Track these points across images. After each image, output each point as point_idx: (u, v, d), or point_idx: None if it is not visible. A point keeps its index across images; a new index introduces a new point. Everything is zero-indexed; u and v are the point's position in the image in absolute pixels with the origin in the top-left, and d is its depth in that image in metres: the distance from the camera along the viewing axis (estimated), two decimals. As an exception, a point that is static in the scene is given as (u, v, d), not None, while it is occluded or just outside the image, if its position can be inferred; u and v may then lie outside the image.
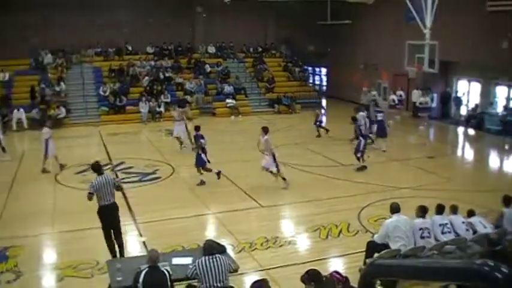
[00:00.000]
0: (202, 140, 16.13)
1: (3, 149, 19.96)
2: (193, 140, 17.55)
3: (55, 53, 32.52)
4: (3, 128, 22.57)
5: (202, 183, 15.94)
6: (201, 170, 15.98)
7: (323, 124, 24.40)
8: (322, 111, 22.10)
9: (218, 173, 15.96)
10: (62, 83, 29.88)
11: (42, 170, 17.92)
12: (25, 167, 18.74)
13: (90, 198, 10.27)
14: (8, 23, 30.86)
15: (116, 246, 10.47)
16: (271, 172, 15.54)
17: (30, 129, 26.14)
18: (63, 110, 27.93)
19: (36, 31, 32.29)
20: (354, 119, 18.54)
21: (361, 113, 20.46)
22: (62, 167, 18.21)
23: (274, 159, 15.41)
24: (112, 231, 10.45)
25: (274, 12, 35.18)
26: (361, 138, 17.52)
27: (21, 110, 26.97)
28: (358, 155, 17.37)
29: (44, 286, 10.01)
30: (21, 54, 31.23)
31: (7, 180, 16.88)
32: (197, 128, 16.72)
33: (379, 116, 20.56)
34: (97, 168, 10.61)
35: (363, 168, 17.42)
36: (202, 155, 15.97)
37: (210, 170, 16.01)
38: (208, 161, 16.17)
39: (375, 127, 20.43)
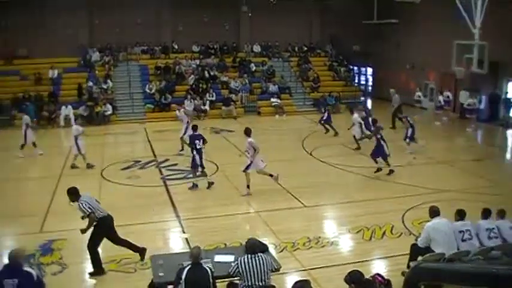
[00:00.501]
0: (197, 141, 15.64)
1: (34, 144, 20.46)
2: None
3: (102, 51, 33.14)
4: (34, 123, 22.93)
5: (194, 186, 15.70)
6: (196, 173, 15.74)
7: (331, 124, 23.99)
8: (363, 113, 21.65)
9: (210, 183, 15.72)
10: (109, 81, 30.40)
11: (72, 165, 18.27)
12: (71, 162, 19.10)
13: (93, 218, 9.95)
14: (57, 22, 31.61)
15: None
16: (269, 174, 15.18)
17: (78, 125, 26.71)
18: (109, 107, 28.39)
19: (85, 29, 33.01)
20: (374, 122, 17.98)
21: (355, 114, 20.25)
22: (89, 166, 18.38)
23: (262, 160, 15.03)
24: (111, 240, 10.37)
25: (319, 11, 35.06)
26: (382, 142, 16.92)
27: (69, 106, 27.62)
28: (376, 158, 16.87)
29: (88, 279, 10.16)
30: (70, 52, 31.92)
31: (55, 175, 17.27)
32: (194, 128, 16.28)
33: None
34: (74, 192, 10.17)
35: (390, 172, 16.95)
36: (197, 157, 15.51)
37: (205, 175, 15.84)
38: (202, 166, 15.74)
39: (409, 131, 19.85)
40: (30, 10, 31.09)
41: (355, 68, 38.62)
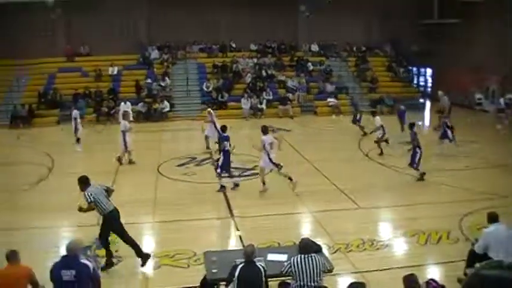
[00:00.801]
0: (226, 142, 15.39)
1: (78, 140, 20.87)
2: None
3: (161, 49, 33.70)
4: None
5: (235, 186, 15.57)
6: (221, 175, 15.43)
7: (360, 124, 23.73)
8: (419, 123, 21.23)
9: (235, 185, 15.56)
10: (167, 78, 30.87)
11: (117, 158, 18.56)
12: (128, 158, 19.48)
13: (92, 208, 9.97)
14: (118, 20, 32.37)
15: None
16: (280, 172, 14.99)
17: (136, 122, 27.22)
18: (167, 104, 28.85)
19: (144, 28, 33.65)
20: (411, 126, 17.42)
21: (377, 117, 19.79)
22: (131, 162, 18.63)
23: (270, 159, 14.81)
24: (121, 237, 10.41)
25: (378, 11, 34.54)
26: (417, 149, 16.24)
27: (128, 103, 28.12)
28: (414, 166, 16.30)
29: (142, 272, 10.35)
30: (129, 49, 32.60)
31: (111, 170, 17.67)
32: (223, 129, 16.15)
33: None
34: (84, 181, 10.11)
35: (422, 176, 16.40)
36: (223, 159, 15.30)
37: (231, 177, 15.69)
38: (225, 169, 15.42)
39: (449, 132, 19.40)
40: (91, 9, 31.87)
41: (414, 68, 37.90)
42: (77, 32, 32.81)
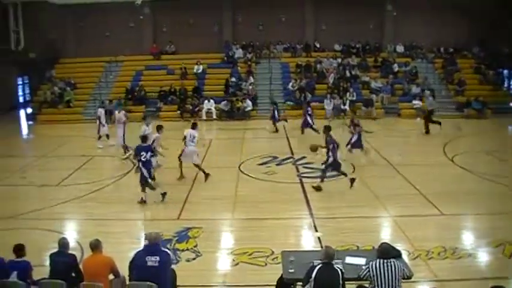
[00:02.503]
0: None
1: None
2: None
3: (245, 48, 34.04)
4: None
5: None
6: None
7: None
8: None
9: None
10: (250, 77, 31.14)
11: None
12: (211, 154, 19.78)
13: None
14: (203, 19, 33.06)
15: None
16: None
17: (219, 120, 27.85)
18: (249, 103, 29.12)
19: (229, 27, 34.16)
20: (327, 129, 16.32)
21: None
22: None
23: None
24: None
25: (466, 11, 33.39)
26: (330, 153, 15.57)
27: (212, 101, 28.82)
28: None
29: (220, 268, 10.51)
30: (214, 48, 33.21)
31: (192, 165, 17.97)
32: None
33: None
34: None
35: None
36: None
37: None
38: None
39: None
40: (178, 9, 32.73)
41: (505, 71, 36.38)
42: (164, 31, 33.79)
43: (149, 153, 14.26)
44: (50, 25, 33.50)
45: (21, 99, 36.89)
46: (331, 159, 15.15)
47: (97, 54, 33.11)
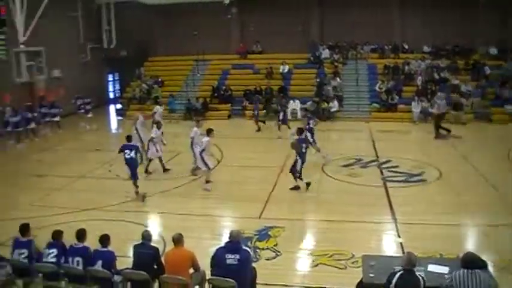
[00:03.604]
0: (303, 145, 15.49)
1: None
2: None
3: (332, 48, 33.84)
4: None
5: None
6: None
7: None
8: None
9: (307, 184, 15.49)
10: (337, 78, 30.90)
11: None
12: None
13: None
14: (289, 19, 33.18)
15: None
16: None
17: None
18: (336, 103, 28.92)
19: (316, 27, 34.10)
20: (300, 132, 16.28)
21: None
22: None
23: None
24: None
25: None
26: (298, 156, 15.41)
27: (297, 101, 28.93)
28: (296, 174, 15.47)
29: (299, 269, 10.53)
30: (300, 48, 33.22)
31: (278, 165, 18.14)
32: (299, 132, 16.05)
33: None
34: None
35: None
36: (299, 162, 15.25)
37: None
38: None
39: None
40: (265, 9, 33.05)
41: None
42: (251, 31, 34.14)
43: (133, 152, 15.03)
44: (140, 24, 34.73)
45: (111, 95, 38.56)
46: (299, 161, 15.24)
47: (185, 53, 33.89)
